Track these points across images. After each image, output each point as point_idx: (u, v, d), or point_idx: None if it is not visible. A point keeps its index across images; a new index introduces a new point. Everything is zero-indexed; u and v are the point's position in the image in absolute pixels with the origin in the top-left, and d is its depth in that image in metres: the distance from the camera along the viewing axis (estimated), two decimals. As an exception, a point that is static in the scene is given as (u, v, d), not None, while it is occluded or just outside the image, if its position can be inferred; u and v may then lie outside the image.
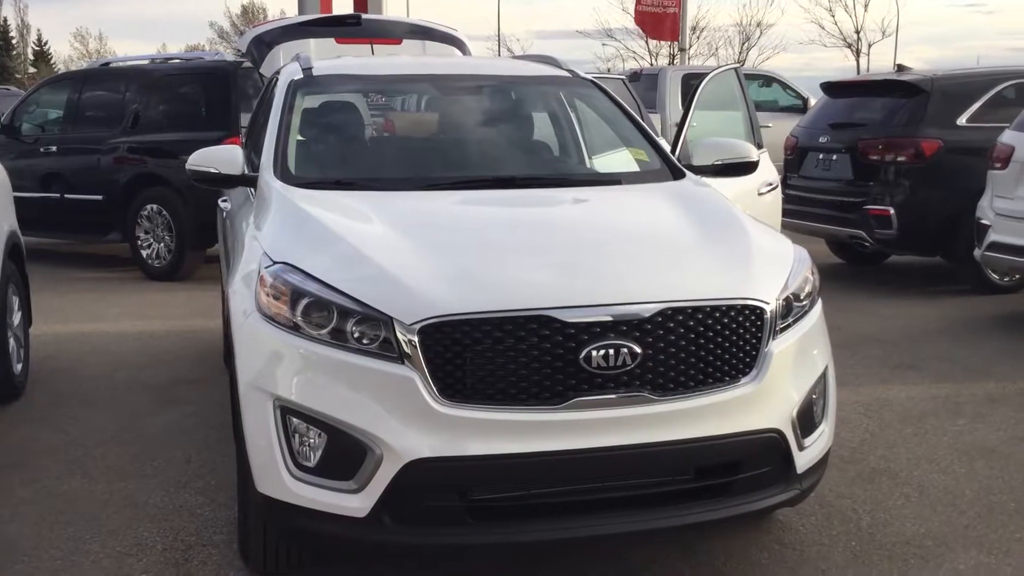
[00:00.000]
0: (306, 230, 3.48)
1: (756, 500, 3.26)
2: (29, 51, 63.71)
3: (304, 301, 3.08)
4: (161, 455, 4.76)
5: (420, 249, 3.27)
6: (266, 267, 3.26)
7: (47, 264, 10.29)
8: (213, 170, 4.10)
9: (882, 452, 4.76)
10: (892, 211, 8.30)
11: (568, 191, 4.17)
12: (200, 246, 9.49)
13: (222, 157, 4.14)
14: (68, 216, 10.10)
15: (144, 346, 6.98)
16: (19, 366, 5.75)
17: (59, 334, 7.28)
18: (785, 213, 9.45)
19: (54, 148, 10.20)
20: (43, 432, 5.11)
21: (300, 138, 4.33)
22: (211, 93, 9.48)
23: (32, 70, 59.06)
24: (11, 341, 5.62)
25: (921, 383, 5.91)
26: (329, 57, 5.75)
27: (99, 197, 9.79)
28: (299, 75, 4.61)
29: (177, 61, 10.59)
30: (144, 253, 9.66)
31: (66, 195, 10.04)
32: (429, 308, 2.96)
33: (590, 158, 5.13)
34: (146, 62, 10.79)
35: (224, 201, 5.23)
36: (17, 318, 5.84)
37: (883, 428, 5.11)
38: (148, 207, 9.52)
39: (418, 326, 2.94)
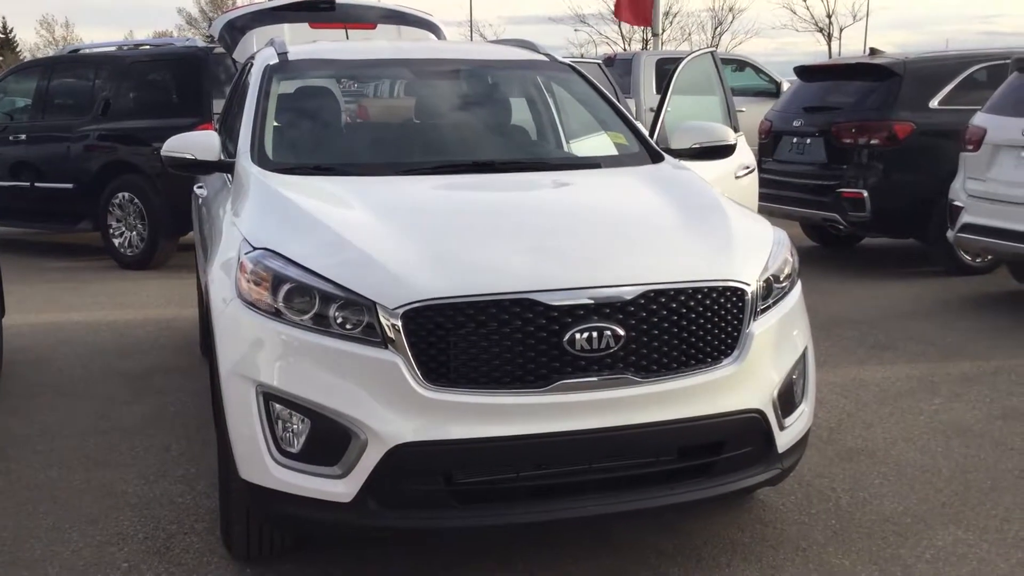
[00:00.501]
0: (285, 216, 3.46)
1: (738, 480, 3.29)
2: (-6, 39, 62.76)
3: (285, 286, 3.06)
4: (139, 444, 4.73)
5: (401, 234, 3.25)
6: (246, 253, 3.23)
7: (18, 254, 10.18)
8: (189, 156, 4.06)
9: (859, 432, 4.81)
10: (866, 194, 8.36)
11: (548, 175, 4.16)
12: (173, 234, 9.42)
13: (198, 143, 4.10)
14: (38, 205, 9.99)
15: (119, 335, 6.92)
16: (-8, 356, 5.69)
17: (33, 324, 7.21)
18: (760, 197, 9.51)
19: (23, 136, 10.07)
20: (18, 423, 5.07)
21: (277, 124, 4.30)
22: (182, 79, 9.38)
23: (-4, 59, 58.18)
24: (-16, 331, 5.57)
25: (897, 363, 5.97)
26: (303, 42, 5.71)
27: (69, 186, 9.68)
28: (274, 60, 4.58)
29: (147, 47, 10.46)
30: (116, 242, 9.57)
31: (36, 184, 9.93)
32: (412, 292, 2.95)
33: (568, 142, 5.14)
34: (114, 49, 10.67)
35: (200, 188, 5.19)
36: (-11, 308, 5.78)
37: (860, 408, 5.16)
38: (119, 195, 9.42)
39: (401, 310, 2.93)
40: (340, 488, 2.98)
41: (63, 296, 8.28)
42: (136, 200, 9.34)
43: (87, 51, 10.92)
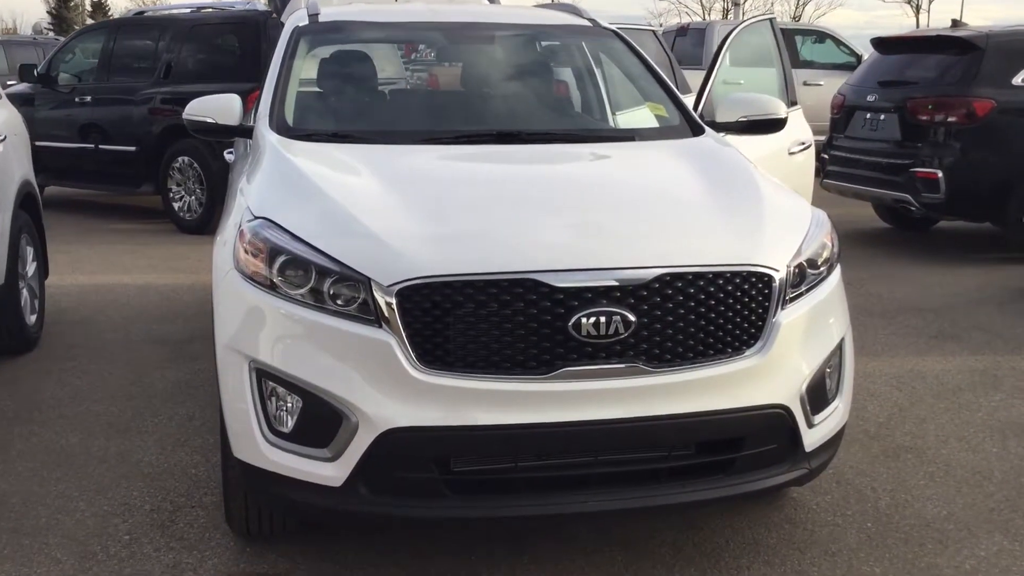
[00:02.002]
0: (292, 185, 3.32)
1: (760, 479, 3.07)
2: (87, 2, 64.10)
3: (281, 259, 2.92)
4: (164, 412, 4.68)
5: (407, 207, 3.09)
6: (247, 222, 3.11)
7: (81, 215, 10.33)
8: (209, 120, 3.96)
9: (910, 428, 4.52)
10: (940, 174, 7.93)
11: (574, 147, 3.95)
12: (228, 199, 9.39)
13: (219, 106, 3.99)
14: (102, 167, 10.07)
15: (166, 299, 6.91)
16: (33, 318, 5.70)
17: (83, 286, 7.25)
18: (829, 175, 9.14)
19: (89, 98, 10.14)
20: (50, 385, 5.06)
21: (300, 88, 4.16)
22: (241, 43, 9.35)
23: (90, 22, 59.43)
24: (24, 293, 5.58)
25: (960, 355, 5.64)
26: (349, 3, 5.56)
27: (132, 148, 9.73)
28: (304, 21, 4.43)
29: (209, 10, 10.43)
30: (176, 206, 9.59)
31: (100, 146, 10.00)
32: (409, 269, 2.79)
33: (613, 114, 4.91)
34: (187, 11, 10.64)
35: (229, 153, 5.10)
36: (32, 269, 5.78)
37: (914, 402, 4.86)
38: (180, 159, 9.44)
39: (396, 288, 2.77)
40: (330, 471, 2.85)
41: (118, 258, 8.32)
42: (195, 165, 9.35)
43: (151, 14, 10.94)
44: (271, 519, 3.34)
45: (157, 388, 5.02)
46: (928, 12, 46.74)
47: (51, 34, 42.57)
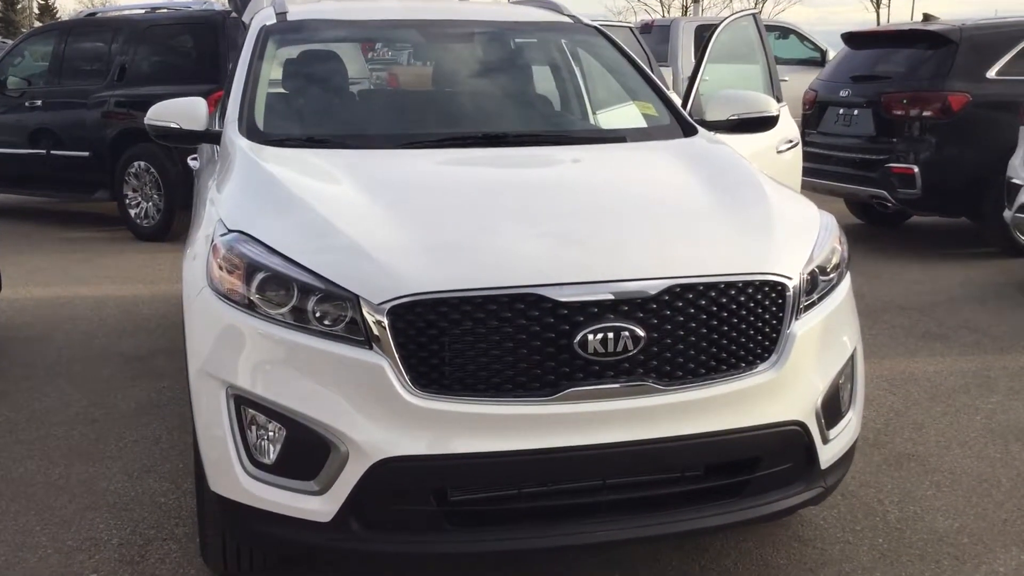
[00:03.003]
0: (267, 194, 3.08)
1: (775, 501, 2.88)
2: (34, 5, 62.88)
3: (260, 276, 2.69)
4: (128, 435, 4.41)
5: (394, 217, 2.87)
6: (220, 235, 2.87)
7: (34, 224, 9.96)
8: (173, 125, 3.72)
9: (909, 434, 4.38)
10: (916, 169, 7.85)
11: (565, 150, 3.74)
12: (190, 206, 9.07)
13: (184, 111, 3.74)
14: (54, 173, 9.70)
15: (125, 312, 6.62)
16: (-15, 335, 5.40)
17: (38, 299, 6.93)
18: (803, 172, 9.02)
19: (39, 102, 9.78)
20: (7, 408, 4.77)
21: (270, 90, 3.93)
22: (198, 44, 9.03)
23: (37, 24, 58.32)
24: (-25, 309, 5.28)
25: (949, 355, 5.52)
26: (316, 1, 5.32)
27: (85, 154, 9.38)
28: (272, 20, 4.19)
29: (164, 11, 10.10)
30: (132, 212, 9.25)
31: (52, 151, 9.63)
32: (401, 285, 2.57)
33: (594, 113, 4.72)
34: (141, 12, 10.31)
35: (193, 159, 4.84)
36: (-17, 284, 5.49)
37: (909, 406, 4.72)
38: (136, 164, 9.10)
39: (388, 306, 2.55)
40: (317, 506, 2.63)
41: (75, 269, 8.00)
42: (152, 169, 9.01)
43: (103, 14, 10.59)
44: (250, 553, 3.10)
45: (120, 409, 4.75)
46: (888, 7, 47.24)
47: (-3, 37, 41.65)
